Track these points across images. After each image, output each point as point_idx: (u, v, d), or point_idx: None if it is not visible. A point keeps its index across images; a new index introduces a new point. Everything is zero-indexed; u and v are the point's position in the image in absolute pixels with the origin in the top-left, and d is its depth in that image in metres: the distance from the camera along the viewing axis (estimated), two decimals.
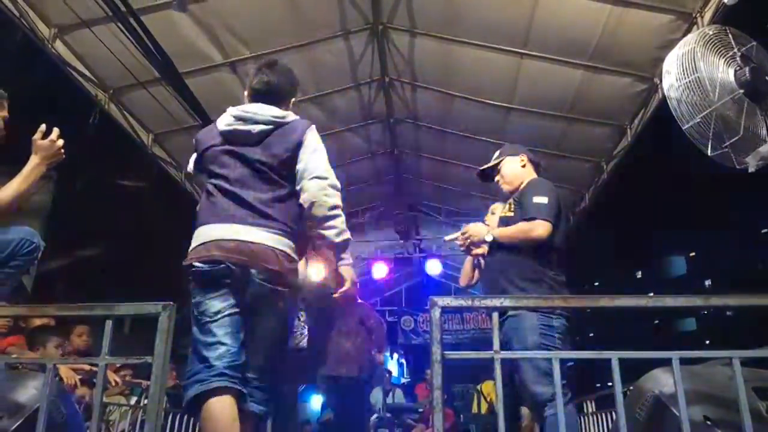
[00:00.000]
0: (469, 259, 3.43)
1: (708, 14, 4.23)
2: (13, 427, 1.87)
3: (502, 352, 1.61)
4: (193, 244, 2.14)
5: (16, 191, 2.38)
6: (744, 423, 1.44)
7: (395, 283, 11.87)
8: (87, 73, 5.22)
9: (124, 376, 4.68)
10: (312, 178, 2.13)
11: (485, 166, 3.27)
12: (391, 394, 9.22)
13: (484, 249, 3.07)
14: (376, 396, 9.20)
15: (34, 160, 2.44)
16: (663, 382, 1.89)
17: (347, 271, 2.32)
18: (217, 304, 2.04)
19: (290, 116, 2.27)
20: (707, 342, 27.60)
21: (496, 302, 1.72)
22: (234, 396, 1.94)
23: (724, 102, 2.84)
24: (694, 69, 2.86)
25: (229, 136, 2.23)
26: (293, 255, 2.14)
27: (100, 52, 4.78)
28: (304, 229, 2.21)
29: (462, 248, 3.15)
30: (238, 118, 2.22)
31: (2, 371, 1.79)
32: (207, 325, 2.02)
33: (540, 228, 2.78)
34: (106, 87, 5.46)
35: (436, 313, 1.61)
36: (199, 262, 2.06)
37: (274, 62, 2.44)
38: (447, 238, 3.44)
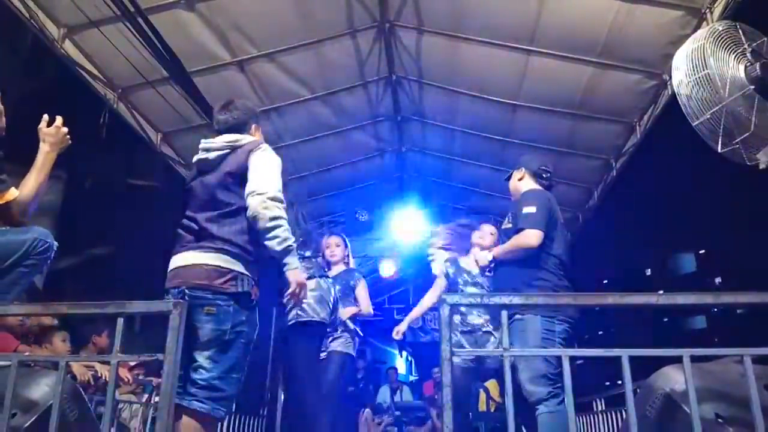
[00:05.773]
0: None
1: (718, 10, 4.20)
2: (27, 424, 1.89)
3: (511, 349, 1.61)
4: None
5: (36, 182, 2.45)
6: (756, 421, 1.43)
7: (403, 281, 11.86)
8: (96, 72, 5.24)
9: (137, 374, 4.70)
10: (253, 195, 2.31)
11: (505, 179, 3.60)
12: (398, 391, 9.25)
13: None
14: (384, 393, 9.23)
15: (44, 148, 2.50)
16: (674, 379, 1.87)
17: (292, 275, 2.37)
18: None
19: (244, 140, 2.49)
20: (716, 340, 27.37)
21: (505, 299, 1.71)
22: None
23: (735, 98, 2.81)
24: (703, 65, 2.84)
25: (198, 166, 2.52)
26: (227, 266, 2.28)
27: (109, 51, 4.80)
28: (255, 240, 2.36)
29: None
30: (203, 149, 2.51)
31: (15, 369, 1.81)
32: None
33: (529, 237, 2.96)
34: (115, 86, 5.48)
35: (446, 311, 1.61)
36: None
37: (230, 102, 2.66)
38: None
